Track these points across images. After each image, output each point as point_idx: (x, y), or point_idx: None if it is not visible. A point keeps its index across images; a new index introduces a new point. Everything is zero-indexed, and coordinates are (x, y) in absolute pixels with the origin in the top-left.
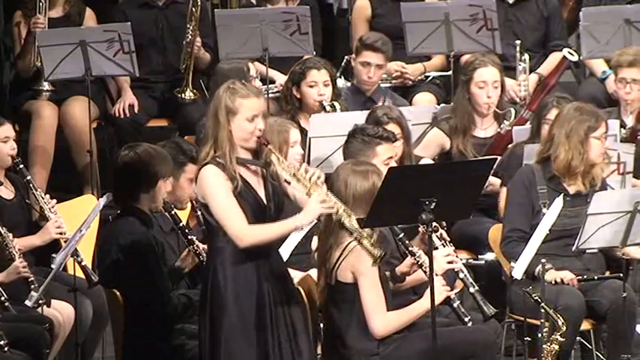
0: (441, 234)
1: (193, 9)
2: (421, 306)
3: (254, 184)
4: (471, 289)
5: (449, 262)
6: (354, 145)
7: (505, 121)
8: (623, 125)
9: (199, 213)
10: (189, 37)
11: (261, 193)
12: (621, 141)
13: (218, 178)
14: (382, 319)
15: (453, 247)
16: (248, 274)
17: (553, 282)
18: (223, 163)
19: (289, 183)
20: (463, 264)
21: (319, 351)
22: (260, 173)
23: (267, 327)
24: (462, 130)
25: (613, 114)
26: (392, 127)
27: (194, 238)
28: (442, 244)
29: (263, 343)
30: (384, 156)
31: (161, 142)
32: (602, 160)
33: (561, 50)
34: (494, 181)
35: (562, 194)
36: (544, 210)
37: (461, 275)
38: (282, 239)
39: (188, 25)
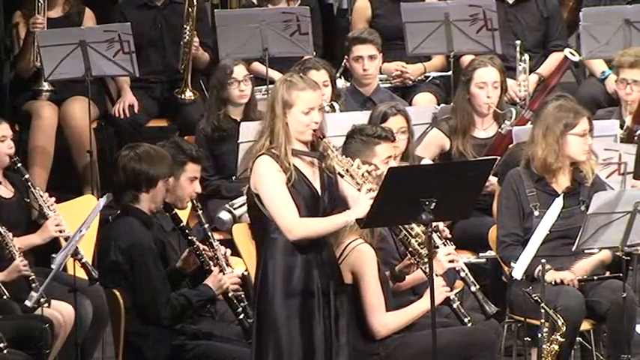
0: (442, 230)
1: (190, 9)
2: (421, 306)
3: (309, 176)
4: (472, 288)
5: (450, 262)
6: (353, 145)
7: (506, 122)
8: (622, 126)
9: (200, 212)
10: (187, 37)
11: (317, 185)
12: (620, 141)
13: (271, 169)
14: (382, 320)
15: (454, 247)
16: (299, 266)
17: (553, 282)
18: (278, 154)
19: (342, 176)
20: (464, 263)
21: None
22: (316, 165)
23: (314, 318)
24: (462, 130)
25: (614, 114)
26: (398, 120)
27: (194, 238)
28: (443, 242)
29: (309, 335)
30: (383, 155)
31: (161, 142)
32: (589, 158)
33: (561, 50)
34: (494, 180)
35: (561, 195)
36: (535, 212)
37: (462, 274)
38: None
39: (185, 26)
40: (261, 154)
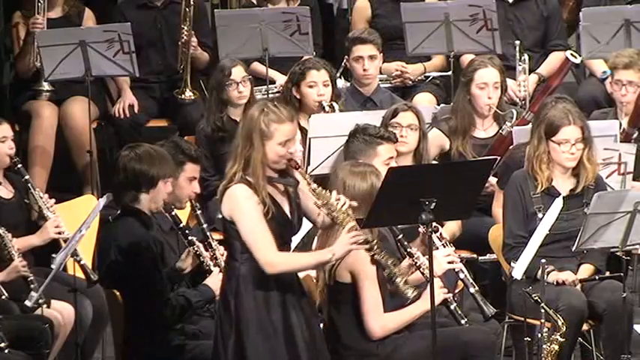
0: (440, 233)
1: (187, 9)
2: (418, 307)
3: (280, 202)
4: (471, 289)
5: (449, 262)
6: (355, 144)
7: (507, 122)
8: (620, 127)
9: (198, 212)
10: (184, 37)
11: (286, 209)
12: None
13: (250, 201)
14: (379, 321)
15: (453, 248)
16: (266, 291)
17: (555, 283)
18: (254, 184)
19: (319, 207)
20: (462, 262)
21: None
22: (284, 190)
23: (293, 321)
24: (462, 130)
25: (609, 115)
26: (407, 116)
27: (194, 238)
28: (442, 244)
29: (292, 339)
30: (385, 156)
31: (160, 141)
32: (590, 163)
33: (561, 50)
34: (494, 181)
35: (561, 195)
36: (539, 214)
37: (461, 275)
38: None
39: (182, 26)
40: (237, 183)
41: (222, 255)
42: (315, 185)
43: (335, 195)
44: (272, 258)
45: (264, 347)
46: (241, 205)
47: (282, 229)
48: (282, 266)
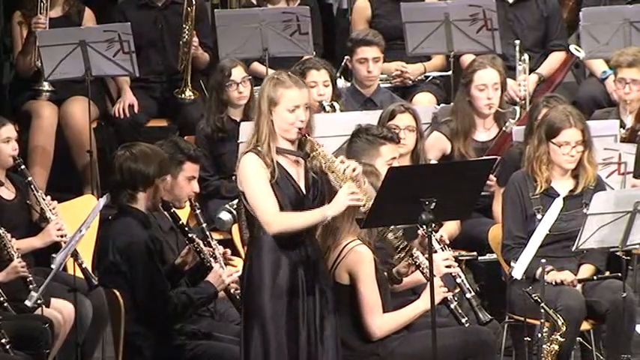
0: (441, 236)
1: (189, 9)
2: (418, 307)
3: (294, 174)
4: (468, 295)
5: (447, 267)
6: (357, 144)
7: (510, 120)
8: (622, 125)
9: (198, 212)
10: (186, 37)
11: (301, 184)
12: (621, 141)
13: (255, 166)
14: (379, 321)
15: (452, 252)
16: (284, 265)
17: (554, 283)
18: (260, 150)
19: (325, 172)
20: (462, 261)
21: None
22: (301, 164)
23: (299, 316)
24: (463, 133)
25: (612, 114)
26: (405, 117)
27: (194, 235)
28: (441, 247)
29: (295, 336)
30: (388, 156)
31: (159, 141)
32: (590, 164)
33: (561, 50)
34: (494, 180)
35: (560, 196)
36: (538, 215)
37: (458, 280)
38: (316, 227)
39: (184, 26)
40: (246, 152)
41: (222, 254)
42: (322, 149)
43: (340, 158)
44: (271, 218)
45: (269, 318)
46: (247, 170)
47: (294, 201)
48: (279, 226)
